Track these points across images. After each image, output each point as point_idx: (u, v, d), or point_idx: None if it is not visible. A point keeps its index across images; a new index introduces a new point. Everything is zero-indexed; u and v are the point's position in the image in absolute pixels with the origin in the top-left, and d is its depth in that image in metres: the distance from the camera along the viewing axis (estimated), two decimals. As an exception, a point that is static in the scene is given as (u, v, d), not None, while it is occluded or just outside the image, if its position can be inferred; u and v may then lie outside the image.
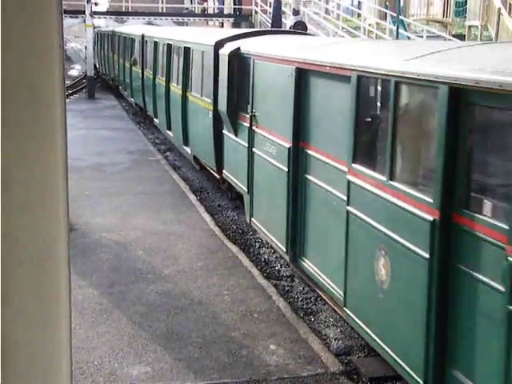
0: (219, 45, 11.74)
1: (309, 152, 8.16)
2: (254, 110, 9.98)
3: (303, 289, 8.93)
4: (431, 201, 5.28)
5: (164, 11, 39.55)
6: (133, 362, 6.65)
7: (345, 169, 7.00)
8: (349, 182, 6.85)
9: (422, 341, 5.35)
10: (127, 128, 22.09)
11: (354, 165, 6.76)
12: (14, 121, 1.41)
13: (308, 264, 8.24)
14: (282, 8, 26.19)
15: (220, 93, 11.34)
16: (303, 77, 8.25)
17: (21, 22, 1.39)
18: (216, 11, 41.91)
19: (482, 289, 4.81)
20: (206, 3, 44.73)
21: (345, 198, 6.98)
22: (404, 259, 5.67)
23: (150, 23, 37.08)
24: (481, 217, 4.85)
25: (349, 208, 6.82)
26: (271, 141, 9.20)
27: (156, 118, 18.82)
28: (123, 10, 39.05)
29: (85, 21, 31.40)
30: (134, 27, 26.23)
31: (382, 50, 7.46)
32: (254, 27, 33.16)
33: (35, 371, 1.57)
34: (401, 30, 22.20)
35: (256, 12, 34.12)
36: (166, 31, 19.92)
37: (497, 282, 4.59)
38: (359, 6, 31.38)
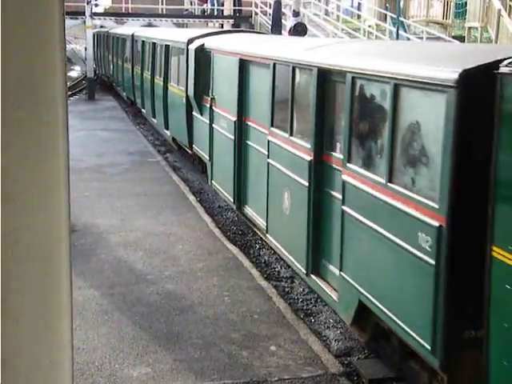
0: (190, 42, 14.01)
1: (248, 123, 10.49)
2: (213, 94, 12.28)
3: (303, 290, 8.93)
4: (309, 146, 7.87)
5: (164, 12, 39.56)
6: (133, 363, 6.65)
7: (266, 132, 9.39)
8: (268, 142, 9.24)
9: (305, 242, 7.94)
10: (127, 129, 22.09)
11: (271, 128, 9.20)
12: (15, 122, 1.41)
13: (247, 209, 10.63)
14: (282, 9, 26.19)
15: (189, 81, 13.70)
16: (244, 65, 10.57)
17: (23, 24, 1.40)
18: (215, 12, 41.94)
19: (334, 200, 7.41)
20: (205, 5, 44.75)
21: (266, 152, 9.37)
22: (296, 190, 8.24)
23: (149, 24, 37.10)
24: (334, 154, 7.52)
25: (269, 160, 9.22)
26: (224, 117, 11.48)
27: (143, 108, 21.13)
28: (123, 11, 39.05)
29: (85, 22, 31.40)
30: (126, 28, 28.21)
31: (291, 44, 10.05)
32: (253, 28, 33.17)
33: (37, 372, 1.57)
34: (401, 32, 22.22)
35: (256, 13, 34.13)
36: (152, 31, 22.03)
37: (338, 193, 7.14)
38: (359, 7, 31.39)
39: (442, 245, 5.22)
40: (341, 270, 7.00)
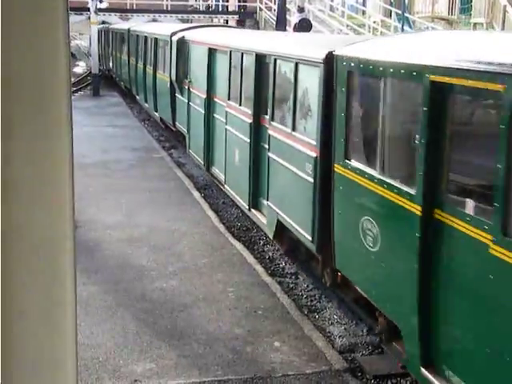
0: (173, 35, 16.53)
1: (214, 99, 12.83)
2: (190, 77, 14.85)
3: (307, 286, 8.93)
4: (250, 112, 10.23)
5: (169, 8, 39.55)
6: (137, 359, 6.66)
7: (225, 104, 11.73)
8: (226, 112, 11.67)
9: (247, 186, 10.31)
10: (132, 125, 22.11)
11: (228, 101, 11.61)
12: (19, 118, 1.41)
13: (213, 168, 13.04)
14: (287, 5, 26.15)
15: (172, 68, 16.31)
16: (212, 53, 12.97)
17: (26, 19, 1.39)
18: (220, 8, 41.92)
19: (264, 151, 9.70)
20: (210, 0, 44.71)
21: (224, 120, 11.78)
22: (242, 147, 10.56)
23: (154, 20, 37.12)
24: (265, 117, 9.73)
25: (226, 127, 11.60)
26: (197, 96, 13.99)
27: (138, 95, 23.83)
28: (128, 7, 39.05)
29: (89, 18, 31.41)
30: (123, 24, 30.62)
31: (244, 35, 13.27)
32: (258, 24, 33.15)
33: (40, 368, 1.57)
34: (406, 28, 22.17)
35: (261, 9, 34.10)
36: (145, 27, 24.53)
37: (267, 144, 9.58)
38: (364, 3, 31.33)
39: (316, 168, 7.78)
40: (267, 200, 9.57)
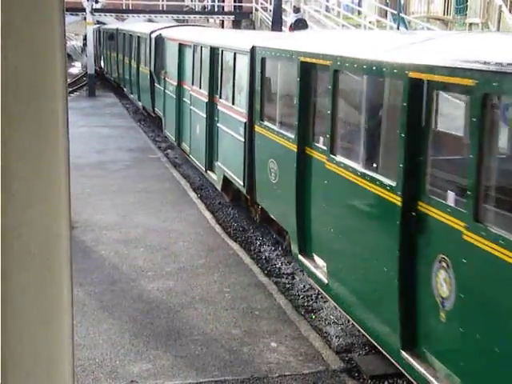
0: (152, 32, 19.34)
1: (183, 86, 15.31)
2: (165, 68, 17.58)
3: (304, 286, 8.93)
4: (206, 93, 12.76)
5: (164, 9, 39.53)
6: (134, 360, 6.66)
7: (190, 89, 14.37)
8: (190, 95, 14.27)
9: (204, 151, 12.80)
10: (128, 126, 22.10)
11: (192, 86, 13.99)
12: (15, 119, 1.41)
13: (183, 144, 15.51)
14: (283, 5, 26.16)
15: (151, 61, 19.09)
16: (181, 47, 15.57)
17: (22, 20, 1.39)
18: (216, 9, 41.90)
19: (216, 123, 12.25)
20: (206, 1, 44.69)
21: (189, 102, 14.37)
22: (201, 122, 13.17)
23: (150, 21, 37.11)
24: (216, 95, 12.22)
25: (191, 107, 14.18)
26: (171, 83, 16.60)
27: (125, 88, 26.73)
28: (123, 7, 39.02)
29: (85, 18, 31.38)
30: (114, 24, 33.51)
31: (206, 33, 15.85)
32: (254, 25, 33.16)
33: (36, 369, 1.57)
34: (401, 28, 22.19)
35: (256, 9, 34.10)
36: (131, 26, 27.30)
37: (217, 117, 12.21)
38: (360, 3, 31.35)
39: (247, 130, 10.33)
40: (217, 161, 12.21)
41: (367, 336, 6.64)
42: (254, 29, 32.10)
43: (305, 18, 24.62)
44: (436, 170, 5.69)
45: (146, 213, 11.68)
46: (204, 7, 44.12)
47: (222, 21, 38.93)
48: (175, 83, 15.87)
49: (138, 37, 22.18)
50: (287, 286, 9.00)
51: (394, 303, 5.78)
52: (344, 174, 6.85)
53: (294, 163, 8.23)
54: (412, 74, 5.59)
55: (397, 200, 5.73)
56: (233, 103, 11.23)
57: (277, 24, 23.76)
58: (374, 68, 6.29)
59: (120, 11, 38.55)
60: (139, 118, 23.79)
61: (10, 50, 1.37)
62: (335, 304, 7.51)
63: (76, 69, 47.40)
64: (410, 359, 5.62)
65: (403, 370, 5.83)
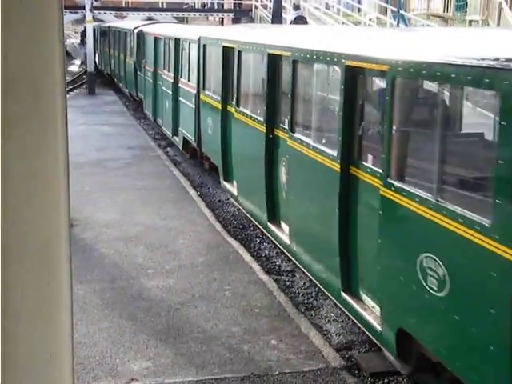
0: (135, 28, 23.04)
1: (158, 71, 18.70)
2: (145, 58, 20.88)
3: (304, 284, 8.93)
4: (172, 75, 16.32)
5: (164, 6, 39.48)
6: (134, 357, 6.66)
7: (162, 73, 17.80)
8: (162, 78, 17.47)
9: (171, 121, 16.47)
10: (127, 123, 22.09)
11: (163, 70, 17.39)
12: (15, 117, 1.41)
13: (158, 119, 19.03)
14: (283, 3, 26.13)
15: (134, 53, 23.02)
16: (156, 40, 18.97)
17: (21, 18, 1.39)
18: (216, 6, 41.83)
19: (179, 99, 15.89)
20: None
21: (161, 83, 17.91)
22: (169, 99, 16.64)
23: (150, 18, 37.10)
24: (180, 78, 15.80)
25: (163, 88, 17.49)
26: (149, 70, 20.04)
27: (115, 78, 30.73)
28: (123, 5, 38.97)
29: (85, 16, 31.36)
30: (107, 22, 35.82)
31: (174, 28, 20.10)
32: (254, 22, 33.12)
33: (37, 366, 1.57)
34: (401, 25, 22.17)
35: (256, 7, 34.06)
36: (121, 23, 31.30)
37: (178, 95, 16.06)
38: (360, 0, 31.31)
39: (196, 98, 13.64)
40: (180, 127, 15.88)
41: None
42: (254, 26, 32.06)
43: (305, 15, 24.59)
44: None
45: (145, 211, 11.68)
46: (204, 5, 44.07)
47: (222, 18, 38.88)
48: (152, 70, 19.44)
49: (125, 33, 26.03)
50: (287, 283, 9.00)
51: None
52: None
53: (219, 118, 11.88)
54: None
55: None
56: (188, 80, 14.86)
57: (277, 21, 23.72)
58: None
59: (119, 9, 38.52)
60: (139, 116, 23.78)
61: (9, 50, 1.37)
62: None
63: (75, 66, 47.36)
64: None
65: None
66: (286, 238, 8.86)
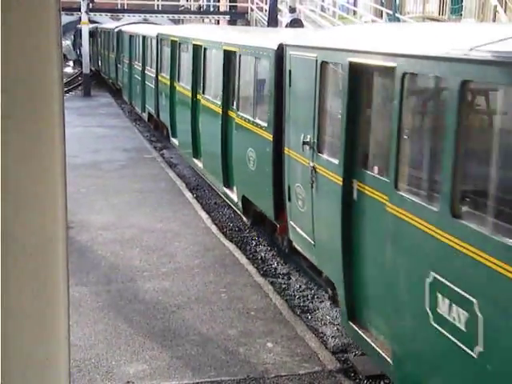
0: (115, 28, 27.74)
1: (132, 63, 22.87)
2: (123, 52, 25.03)
3: (300, 287, 8.93)
4: (154, 71, 18.60)
5: (160, 8, 39.49)
6: (130, 360, 6.64)
7: (135, 64, 22.23)
8: (135, 68, 22.25)
9: (141, 100, 21.20)
10: (123, 126, 22.08)
11: (136, 62, 22.00)
12: (12, 119, 1.40)
13: (133, 102, 23.32)
14: (278, 5, 26.15)
15: (115, 49, 27.61)
16: (130, 37, 23.29)
17: (18, 20, 1.38)
18: (211, 8, 41.87)
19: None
20: (201, 0, 44.64)
21: (134, 72, 22.68)
22: (139, 84, 21.41)
23: (145, 20, 37.11)
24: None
25: (135, 76, 22.26)
26: (125, 62, 24.23)
27: (102, 72, 34.64)
28: (119, 7, 38.97)
29: (80, 18, 31.36)
30: (97, 24, 38.45)
31: (143, 27, 24.16)
32: (249, 25, 33.14)
33: (33, 369, 1.56)
34: (397, 28, 22.16)
35: (252, 9, 34.09)
36: (107, 25, 34.21)
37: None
38: (355, 3, 31.36)
39: (155, 80, 18.20)
40: (147, 105, 19.97)
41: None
42: (250, 29, 32.10)
43: (300, 17, 24.62)
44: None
45: (141, 213, 11.67)
46: (199, 7, 44.09)
47: (218, 21, 38.89)
48: (127, 62, 23.93)
49: (108, 32, 30.42)
50: (283, 286, 9.00)
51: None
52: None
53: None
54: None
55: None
56: (151, 67, 19.13)
57: (272, 24, 23.74)
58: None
59: (115, 11, 38.51)
60: (135, 118, 23.78)
61: (6, 52, 1.36)
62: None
63: (71, 68, 47.31)
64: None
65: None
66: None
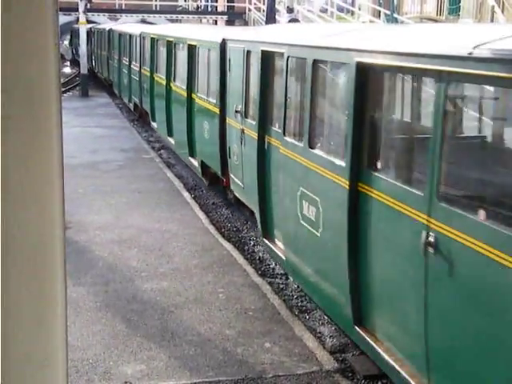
0: (108, 28, 30.51)
1: (121, 58, 25.43)
2: (114, 50, 27.63)
3: (298, 287, 8.93)
4: (138, 65, 21.26)
5: (158, 9, 39.47)
6: (128, 360, 6.64)
7: (122, 59, 25.38)
8: (122, 62, 25.29)
9: (128, 90, 24.01)
10: (121, 126, 22.06)
11: (123, 57, 24.86)
12: (9, 119, 1.40)
13: (122, 94, 26.13)
14: (276, 6, 26.15)
15: (106, 46, 30.32)
16: (120, 36, 25.92)
17: (15, 20, 1.38)
18: (209, 9, 41.85)
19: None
20: (199, 0, 44.63)
21: (122, 66, 25.48)
22: (125, 76, 24.45)
23: (143, 21, 37.12)
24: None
25: (122, 69, 25.42)
26: (115, 58, 27.12)
27: (99, 73, 35.68)
28: (116, 7, 38.95)
29: (78, 18, 31.34)
30: (92, 24, 40.17)
31: (129, 26, 27.11)
32: (247, 25, 33.14)
33: (30, 369, 1.56)
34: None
35: (249, 10, 34.09)
36: (100, 25, 36.33)
37: (138, 76, 21.79)
38: (353, 3, 31.36)
39: (139, 73, 20.82)
40: (132, 96, 22.95)
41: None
42: (248, 29, 32.12)
43: (298, 18, 24.61)
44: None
45: (139, 213, 11.66)
46: (197, 7, 44.07)
47: (215, 21, 38.88)
48: (117, 57, 26.45)
49: (101, 32, 33.02)
50: (281, 286, 9.00)
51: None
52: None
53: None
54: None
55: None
56: (135, 62, 21.75)
57: (270, 24, 23.73)
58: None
59: (113, 11, 38.49)
60: (132, 118, 23.76)
61: (2, 53, 1.36)
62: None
63: (69, 68, 47.27)
64: None
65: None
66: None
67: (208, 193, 13.65)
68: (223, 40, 11.22)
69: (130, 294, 8.22)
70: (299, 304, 8.43)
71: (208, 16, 39.89)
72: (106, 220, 11.24)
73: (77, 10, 30.92)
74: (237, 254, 9.80)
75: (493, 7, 18.95)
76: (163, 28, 20.48)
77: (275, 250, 8.88)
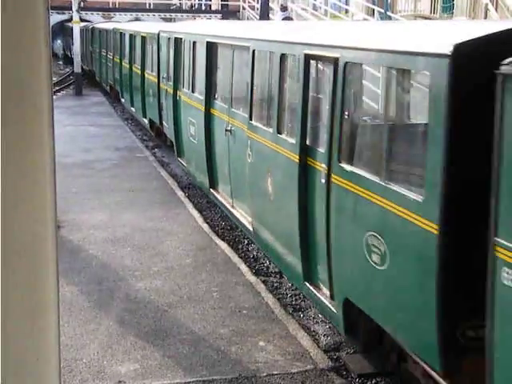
0: (91, 26, 34.62)
1: (107, 53, 27.72)
2: (96, 44, 31.56)
3: (292, 285, 8.93)
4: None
5: (151, 7, 39.41)
6: (121, 360, 6.63)
7: (108, 54, 27.29)
8: (108, 57, 27.40)
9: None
10: (115, 125, 22.02)
11: (109, 52, 26.97)
12: (2, 118, 1.39)
13: (103, 83, 29.83)
14: (270, 4, 26.15)
15: (90, 42, 33.88)
16: (106, 32, 27.78)
17: (6, 19, 1.38)
18: (203, 7, 41.82)
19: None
20: (193, -1, 44.56)
21: (107, 61, 27.85)
22: (114, 71, 25.67)
23: (137, 19, 37.03)
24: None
25: (108, 63, 27.34)
26: (96, 51, 31.34)
27: (86, 64, 36.69)
28: (110, 6, 38.88)
29: (71, 17, 31.27)
30: (85, 23, 41.46)
31: (112, 24, 30.45)
32: (241, 23, 33.17)
33: (24, 369, 1.55)
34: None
35: (243, 8, 34.07)
36: (94, 24, 37.50)
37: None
38: (347, 1, 31.37)
39: (119, 64, 23.82)
40: (109, 80, 27.43)
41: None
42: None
43: (292, 16, 24.62)
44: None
45: (133, 212, 11.65)
46: (191, 6, 44.03)
47: (209, 19, 38.80)
48: (105, 53, 28.23)
49: (86, 29, 35.35)
50: (275, 284, 9.00)
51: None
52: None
53: (119, 67, 22.82)
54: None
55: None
56: (115, 54, 24.14)
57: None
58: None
59: (107, 10, 38.42)
60: (126, 117, 23.73)
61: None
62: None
63: (61, 66, 47.13)
64: None
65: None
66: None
67: (202, 192, 13.65)
68: (159, 32, 15.63)
69: (124, 293, 8.20)
70: (293, 302, 8.43)
71: (202, 14, 39.84)
72: (99, 219, 11.22)
73: (70, 8, 30.84)
74: (231, 252, 9.80)
75: (486, 5, 18.98)
76: (135, 25, 25.21)
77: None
